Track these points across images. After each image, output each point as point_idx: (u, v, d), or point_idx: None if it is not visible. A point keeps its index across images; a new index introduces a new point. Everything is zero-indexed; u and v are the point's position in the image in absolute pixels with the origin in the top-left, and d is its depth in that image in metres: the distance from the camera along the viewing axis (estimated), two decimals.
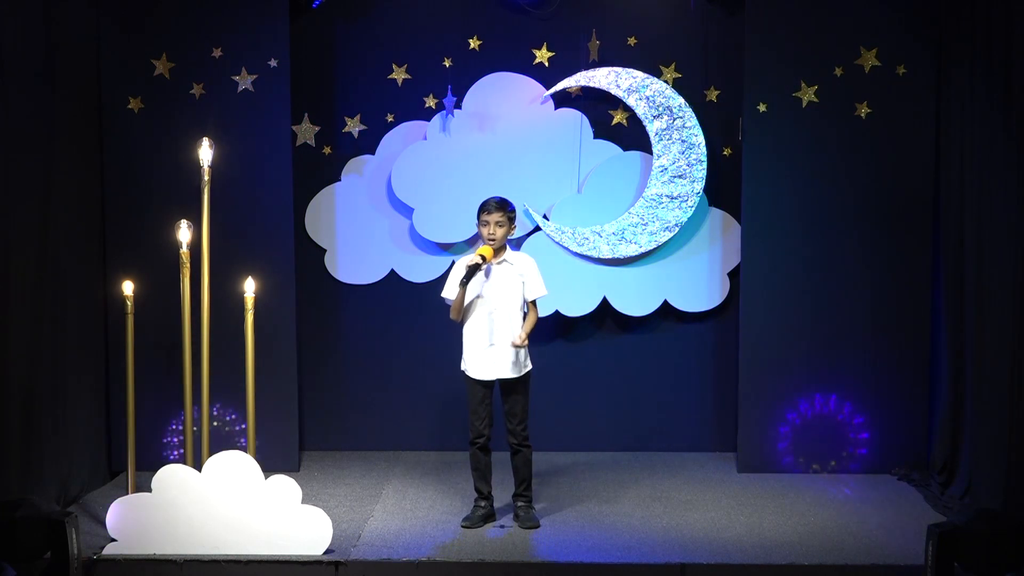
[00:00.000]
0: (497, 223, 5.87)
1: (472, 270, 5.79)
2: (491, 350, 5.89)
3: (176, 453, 6.92)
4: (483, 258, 5.79)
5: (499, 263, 5.89)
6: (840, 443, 6.97)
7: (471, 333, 5.94)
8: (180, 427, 6.89)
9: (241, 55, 6.86)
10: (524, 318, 5.94)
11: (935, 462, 6.71)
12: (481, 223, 5.91)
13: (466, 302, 5.89)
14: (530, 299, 5.95)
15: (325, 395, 7.44)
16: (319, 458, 7.29)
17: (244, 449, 6.19)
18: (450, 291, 5.93)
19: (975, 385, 6.19)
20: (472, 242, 7.12)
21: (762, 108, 6.83)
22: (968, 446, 6.29)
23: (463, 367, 5.99)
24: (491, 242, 5.86)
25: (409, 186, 7.23)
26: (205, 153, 5.99)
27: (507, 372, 5.91)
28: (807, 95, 6.83)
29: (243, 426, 6.86)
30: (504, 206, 5.90)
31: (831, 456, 6.98)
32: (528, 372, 5.97)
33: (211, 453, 5.78)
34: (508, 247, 6.00)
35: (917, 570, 5.23)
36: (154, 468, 5.70)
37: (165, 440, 6.96)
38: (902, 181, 6.86)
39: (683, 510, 6.26)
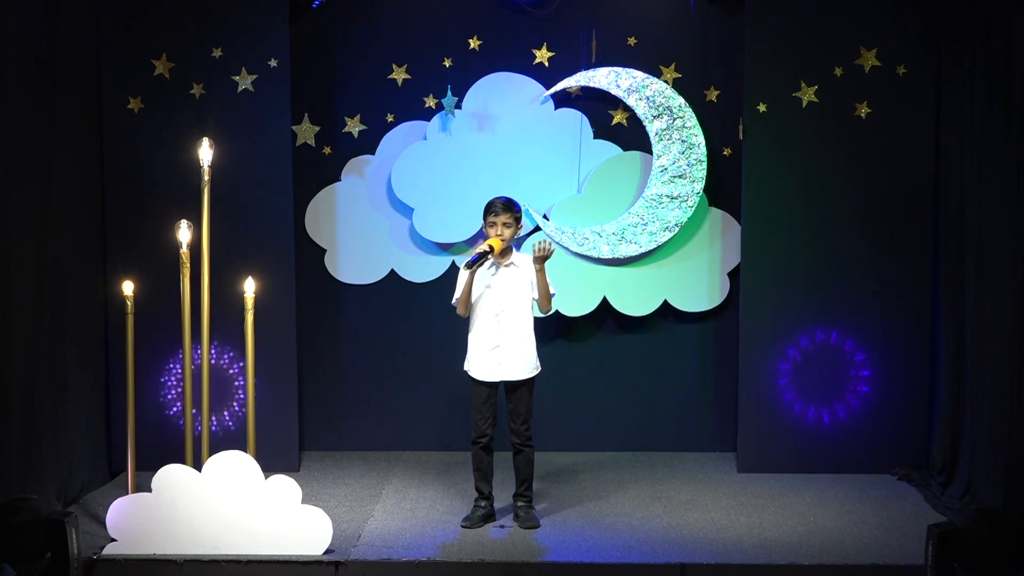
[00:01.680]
0: (504, 224, 5.86)
1: (481, 255, 5.78)
2: (497, 352, 5.88)
3: (178, 434, 6.87)
4: (491, 248, 5.79)
5: (506, 265, 5.89)
6: (841, 444, 6.97)
7: (477, 335, 5.93)
8: (181, 426, 6.88)
9: (241, 55, 6.86)
10: (532, 321, 5.93)
11: (935, 462, 6.71)
12: (488, 224, 5.90)
13: (473, 298, 5.89)
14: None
15: (325, 395, 7.44)
16: (319, 458, 7.29)
17: (244, 448, 6.19)
18: (458, 292, 5.93)
19: (975, 385, 6.19)
20: (472, 242, 7.12)
21: (762, 108, 6.83)
22: (968, 446, 6.29)
23: (466, 367, 6.00)
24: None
25: (409, 186, 7.23)
26: (205, 153, 5.98)
27: (513, 374, 5.92)
28: (807, 95, 6.82)
29: (244, 413, 6.85)
30: (511, 207, 5.90)
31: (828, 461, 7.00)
32: (536, 374, 5.99)
33: (211, 453, 5.78)
34: (514, 249, 6.00)
35: (917, 570, 5.23)
36: (154, 468, 5.69)
37: (165, 440, 6.94)
38: (902, 181, 6.85)
39: (683, 510, 6.26)
